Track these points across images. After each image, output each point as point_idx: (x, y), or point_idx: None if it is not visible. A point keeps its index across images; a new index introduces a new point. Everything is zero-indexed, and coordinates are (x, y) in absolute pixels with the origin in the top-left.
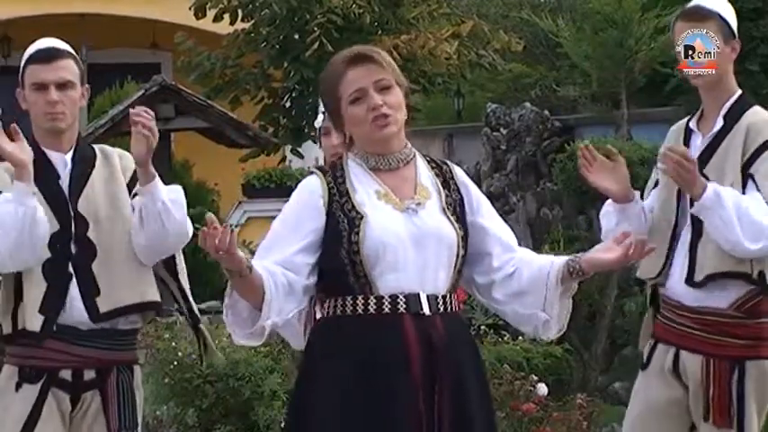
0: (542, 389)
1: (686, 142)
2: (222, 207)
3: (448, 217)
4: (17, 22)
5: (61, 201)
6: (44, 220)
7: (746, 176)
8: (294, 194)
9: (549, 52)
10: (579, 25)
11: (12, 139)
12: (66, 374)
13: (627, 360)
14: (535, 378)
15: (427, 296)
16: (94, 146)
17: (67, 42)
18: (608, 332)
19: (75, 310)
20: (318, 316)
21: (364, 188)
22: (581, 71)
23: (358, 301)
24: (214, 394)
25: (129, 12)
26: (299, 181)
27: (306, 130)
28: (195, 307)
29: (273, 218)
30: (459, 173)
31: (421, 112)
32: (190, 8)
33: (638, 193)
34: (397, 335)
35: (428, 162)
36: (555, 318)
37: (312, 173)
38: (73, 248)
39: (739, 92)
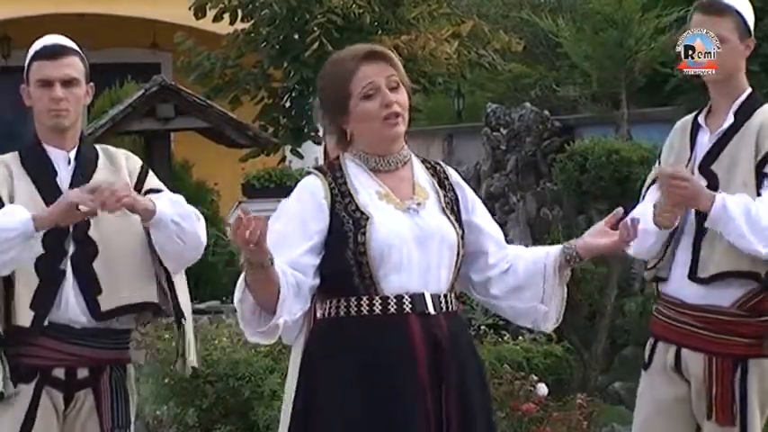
0: (542, 389)
1: (692, 138)
2: (222, 207)
3: (447, 216)
4: (17, 22)
5: (57, 198)
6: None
7: (760, 175)
8: (294, 195)
9: (549, 52)
10: (579, 25)
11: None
12: (59, 373)
13: (627, 360)
14: (535, 378)
15: (431, 295)
16: (97, 146)
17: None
18: (608, 332)
19: (70, 307)
20: (318, 316)
21: (365, 189)
22: (581, 71)
23: (362, 302)
24: (214, 394)
25: (129, 12)
26: (299, 181)
27: (306, 130)
28: (183, 302)
29: None
30: (452, 173)
31: (421, 112)
32: (190, 8)
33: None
34: (403, 335)
35: (422, 162)
36: (554, 308)
37: (310, 173)
38: (71, 247)
39: (750, 89)
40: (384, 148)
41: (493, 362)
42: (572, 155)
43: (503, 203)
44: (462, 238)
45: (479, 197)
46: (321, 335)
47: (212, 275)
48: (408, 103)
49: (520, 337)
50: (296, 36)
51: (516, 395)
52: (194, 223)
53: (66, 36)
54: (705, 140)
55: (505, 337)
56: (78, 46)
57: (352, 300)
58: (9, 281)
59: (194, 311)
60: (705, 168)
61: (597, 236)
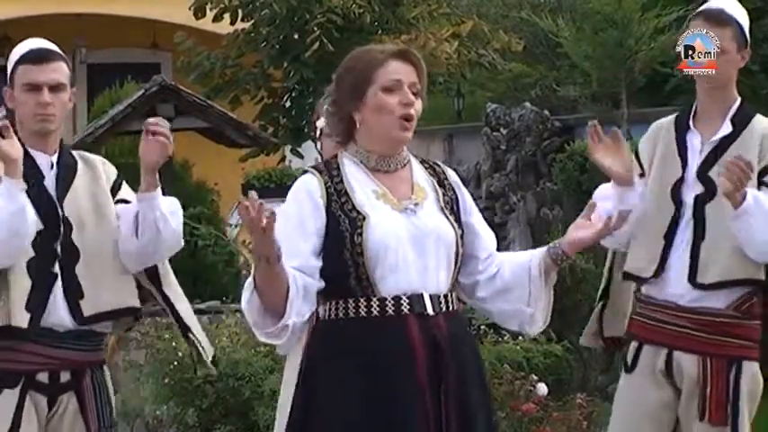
0: (542, 389)
1: (680, 141)
2: (222, 207)
3: (446, 216)
4: (17, 22)
5: (45, 201)
6: (33, 217)
7: (762, 184)
8: (291, 195)
9: (549, 52)
10: (579, 25)
11: (2, 136)
12: (42, 377)
13: None
14: (535, 378)
15: (430, 296)
16: (73, 152)
17: (67, 42)
18: None
19: (56, 311)
20: (318, 318)
21: (362, 188)
22: (581, 71)
23: (360, 304)
24: (214, 394)
25: (129, 12)
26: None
27: (306, 130)
28: (186, 315)
29: None
30: (451, 174)
31: (421, 112)
32: (190, 8)
33: (638, 180)
34: (402, 336)
35: (421, 163)
36: (540, 310)
37: (307, 171)
38: (58, 250)
39: (739, 98)
40: (387, 148)
41: (493, 362)
42: (572, 155)
43: (503, 203)
44: (462, 237)
45: (479, 197)
46: (321, 336)
47: (212, 275)
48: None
49: (520, 337)
50: (296, 36)
51: (516, 395)
52: (179, 223)
53: (66, 36)
54: (697, 145)
55: (505, 337)
56: (78, 46)
57: (351, 301)
58: (3, 282)
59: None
60: (702, 174)
61: (579, 230)
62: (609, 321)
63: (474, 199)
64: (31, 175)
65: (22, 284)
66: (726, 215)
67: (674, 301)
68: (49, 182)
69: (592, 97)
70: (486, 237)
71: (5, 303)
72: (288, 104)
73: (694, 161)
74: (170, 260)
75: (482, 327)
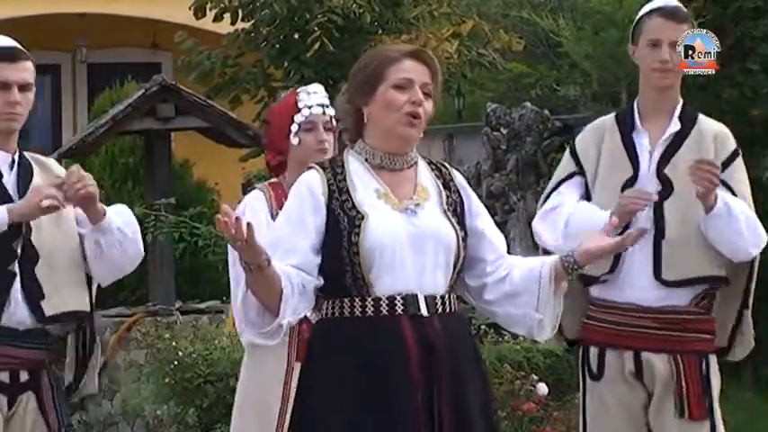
0: (543, 388)
1: (627, 140)
2: None
3: (448, 218)
4: (17, 22)
5: (7, 200)
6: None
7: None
8: (294, 190)
9: (549, 52)
10: (580, 25)
11: None
12: (3, 376)
13: None
14: (535, 377)
15: (425, 297)
16: (25, 153)
17: (67, 42)
18: None
19: (18, 310)
20: (318, 317)
21: (364, 186)
22: (581, 71)
23: (356, 303)
24: (214, 394)
25: (130, 11)
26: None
27: None
28: (95, 323)
29: None
30: (458, 176)
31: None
32: (190, 8)
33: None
34: (396, 337)
35: (428, 164)
36: (548, 317)
37: (311, 168)
38: (18, 250)
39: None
40: (394, 146)
41: (493, 361)
42: None
43: (503, 203)
44: (463, 240)
45: (480, 197)
46: (320, 335)
47: (212, 275)
48: (430, 116)
49: (520, 337)
50: (296, 36)
51: (517, 395)
52: (135, 231)
53: (67, 36)
54: (646, 144)
55: (506, 337)
56: (79, 46)
57: (347, 300)
58: None
59: (194, 311)
60: (659, 172)
61: (592, 242)
62: (568, 322)
63: None
64: None
65: None
66: (687, 213)
67: (638, 302)
68: (10, 182)
69: (592, 97)
70: (494, 239)
71: None
72: None
73: (644, 160)
74: (171, 260)
75: (482, 327)
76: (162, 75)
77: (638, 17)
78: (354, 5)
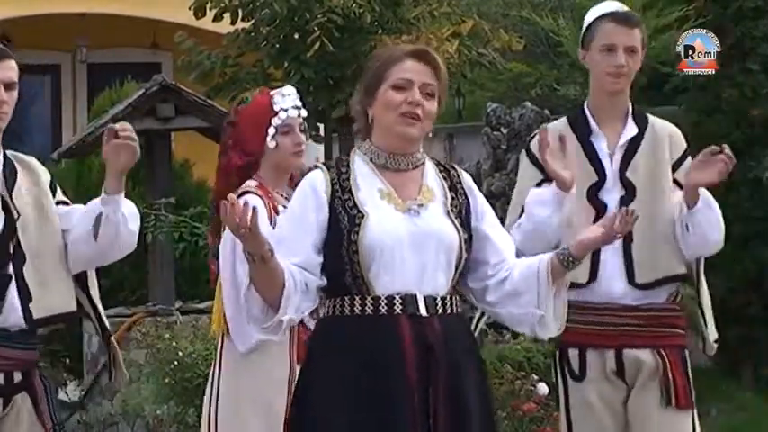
0: (543, 388)
1: (586, 145)
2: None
3: (452, 219)
4: (17, 22)
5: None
6: None
7: (673, 181)
8: (298, 189)
9: (549, 51)
10: (580, 24)
11: None
12: None
13: None
14: (536, 377)
15: (425, 297)
16: (7, 152)
17: (67, 42)
18: None
19: (12, 312)
20: (320, 315)
21: (368, 186)
22: (582, 70)
23: (355, 302)
24: None
25: (130, 11)
26: (298, 181)
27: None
28: (106, 321)
29: None
30: (466, 178)
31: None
32: (190, 8)
33: (547, 186)
34: (393, 336)
35: (436, 165)
36: (551, 314)
37: (316, 167)
38: (11, 250)
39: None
40: (395, 145)
41: (494, 361)
42: None
43: (503, 203)
44: (467, 242)
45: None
46: (321, 333)
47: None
48: (434, 116)
49: (521, 337)
50: (296, 36)
51: (517, 395)
52: (137, 225)
53: (67, 36)
54: (604, 148)
55: (506, 337)
56: (79, 45)
57: (346, 299)
58: None
59: (194, 311)
60: (621, 177)
61: (586, 232)
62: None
63: None
64: None
65: None
66: (651, 215)
67: (615, 301)
68: None
69: None
70: (498, 242)
71: None
72: None
73: (607, 164)
74: (171, 260)
75: (482, 326)
76: (162, 75)
77: (587, 23)
78: (354, 5)
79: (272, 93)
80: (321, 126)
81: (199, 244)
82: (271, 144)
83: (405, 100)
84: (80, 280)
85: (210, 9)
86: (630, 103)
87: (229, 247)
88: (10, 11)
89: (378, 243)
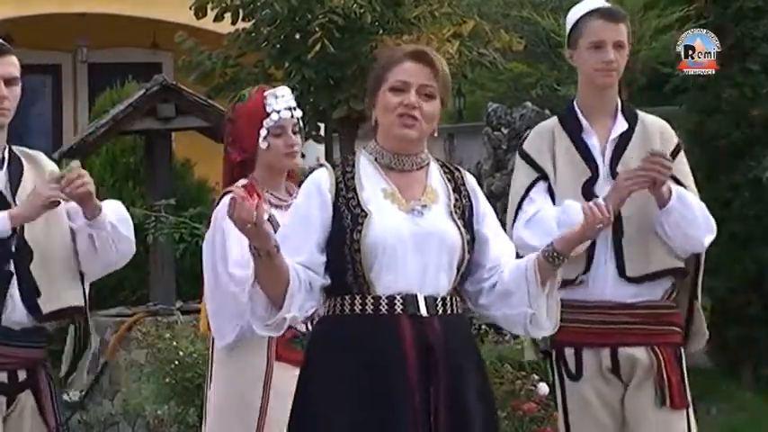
0: (543, 388)
1: (578, 141)
2: None
3: (455, 221)
4: (17, 22)
5: (0, 198)
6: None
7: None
8: (303, 188)
9: (550, 51)
10: None
11: None
12: (2, 376)
13: None
14: (536, 377)
15: (425, 297)
16: (13, 148)
17: (68, 42)
18: None
19: (15, 310)
20: (321, 314)
21: (372, 186)
22: None
23: (356, 301)
24: None
25: (130, 11)
26: (301, 181)
27: (307, 130)
28: (89, 318)
29: None
30: (470, 180)
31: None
32: (190, 8)
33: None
34: (394, 336)
35: (441, 166)
36: (543, 313)
37: (322, 165)
38: (12, 248)
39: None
40: (395, 146)
41: (494, 361)
42: None
43: (504, 203)
44: (470, 243)
45: None
46: (322, 332)
47: None
48: (435, 116)
49: (521, 337)
50: (297, 36)
51: (517, 394)
52: (129, 228)
53: (67, 36)
54: (596, 144)
55: (506, 337)
56: (79, 45)
57: (347, 298)
58: None
59: (195, 311)
60: (612, 172)
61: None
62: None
63: None
64: None
65: None
66: (642, 209)
67: (610, 299)
68: (1, 179)
69: None
70: (496, 246)
71: None
72: None
73: (600, 160)
74: (171, 260)
75: (483, 327)
76: (162, 75)
77: (572, 21)
78: (355, 6)
79: (265, 93)
80: (322, 126)
81: (199, 244)
82: (263, 145)
83: (401, 102)
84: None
85: (211, 9)
86: (620, 100)
87: (211, 245)
88: (10, 11)
89: (380, 242)
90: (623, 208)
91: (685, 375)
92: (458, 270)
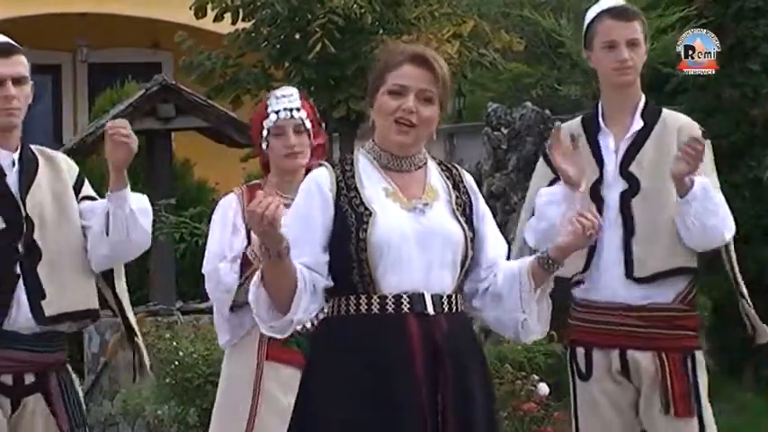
0: (543, 388)
1: (593, 141)
2: None
3: (457, 218)
4: (17, 22)
5: (8, 199)
6: None
7: None
8: (303, 187)
9: (550, 51)
10: (581, 24)
11: None
12: (6, 379)
13: None
14: (536, 378)
15: (432, 296)
16: (33, 148)
17: (68, 42)
18: None
19: (20, 314)
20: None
21: (373, 185)
22: (582, 70)
23: (361, 301)
24: (215, 394)
25: (130, 11)
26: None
27: None
28: (133, 319)
29: None
30: (468, 178)
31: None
32: (190, 8)
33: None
34: (401, 335)
35: (438, 164)
36: (534, 317)
37: (321, 165)
38: (20, 250)
39: (643, 95)
40: (392, 148)
41: (494, 361)
42: None
43: (504, 203)
44: (472, 240)
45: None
46: (326, 332)
47: None
48: (434, 121)
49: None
50: (297, 36)
51: (518, 395)
52: (148, 221)
53: (67, 36)
54: (611, 144)
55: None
56: (79, 45)
57: (352, 298)
58: None
59: (195, 311)
60: (624, 171)
61: (565, 235)
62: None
63: None
64: None
65: None
66: (655, 209)
67: (620, 301)
68: (12, 180)
69: (593, 97)
70: (491, 246)
71: None
72: None
73: (611, 160)
74: (171, 260)
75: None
76: (162, 75)
77: (587, 23)
78: (355, 6)
79: (268, 94)
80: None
81: (199, 244)
82: (263, 145)
83: (399, 107)
84: (107, 277)
85: (211, 9)
86: (644, 98)
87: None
88: (10, 11)
89: (386, 241)
90: (636, 209)
91: (699, 380)
92: (462, 267)
